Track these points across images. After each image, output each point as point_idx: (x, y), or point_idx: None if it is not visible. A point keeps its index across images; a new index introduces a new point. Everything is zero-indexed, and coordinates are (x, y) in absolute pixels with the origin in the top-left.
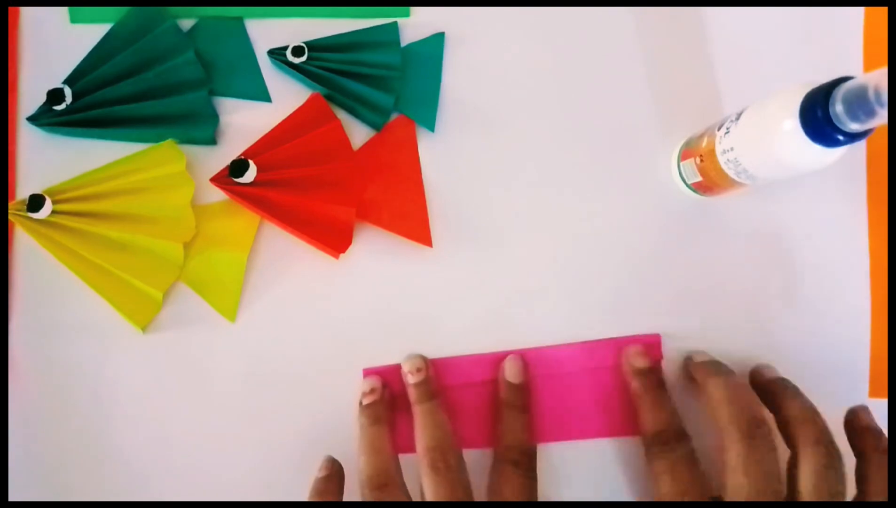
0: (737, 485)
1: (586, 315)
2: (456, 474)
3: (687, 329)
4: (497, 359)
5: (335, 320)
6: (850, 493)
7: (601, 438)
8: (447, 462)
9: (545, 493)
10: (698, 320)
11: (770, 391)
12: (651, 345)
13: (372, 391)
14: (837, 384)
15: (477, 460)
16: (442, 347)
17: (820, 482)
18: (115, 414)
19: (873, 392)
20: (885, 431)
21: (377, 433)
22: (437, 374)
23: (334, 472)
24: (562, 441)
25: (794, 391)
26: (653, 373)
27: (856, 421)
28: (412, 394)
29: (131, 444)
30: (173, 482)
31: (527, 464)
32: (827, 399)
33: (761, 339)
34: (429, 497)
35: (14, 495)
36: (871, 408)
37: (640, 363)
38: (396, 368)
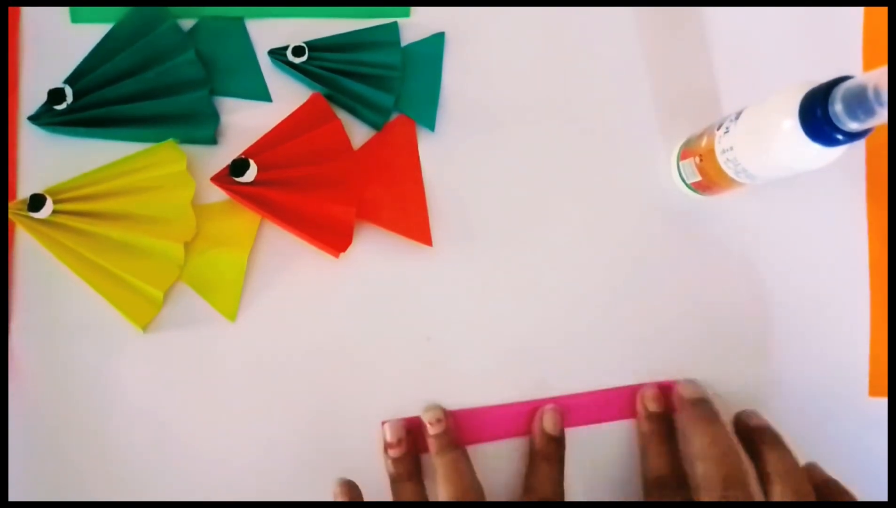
0: None
1: (584, 313)
2: None
3: (685, 326)
4: (525, 411)
5: (335, 319)
6: None
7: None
8: None
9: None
10: (697, 317)
11: (752, 441)
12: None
13: (398, 441)
14: (837, 382)
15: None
16: (442, 345)
17: None
18: (114, 414)
19: (873, 391)
20: (886, 430)
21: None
22: (456, 425)
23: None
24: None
25: (776, 442)
26: (663, 420)
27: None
28: (432, 445)
29: (131, 444)
30: (173, 481)
31: None
32: (827, 398)
33: (760, 338)
34: None
35: (14, 495)
36: (871, 407)
37: (653, 407)
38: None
